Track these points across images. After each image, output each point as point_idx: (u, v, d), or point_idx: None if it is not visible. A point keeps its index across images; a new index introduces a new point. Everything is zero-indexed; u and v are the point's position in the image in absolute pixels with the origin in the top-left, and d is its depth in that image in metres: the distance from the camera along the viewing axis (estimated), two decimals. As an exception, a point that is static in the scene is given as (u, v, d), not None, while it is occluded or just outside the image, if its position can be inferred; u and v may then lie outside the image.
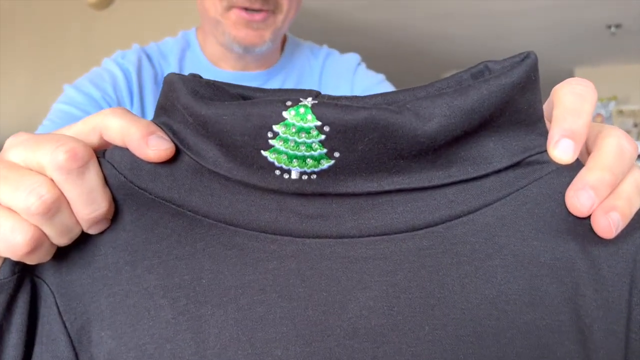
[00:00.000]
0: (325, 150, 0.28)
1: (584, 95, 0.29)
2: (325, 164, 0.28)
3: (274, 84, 0.80)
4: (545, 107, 0.32)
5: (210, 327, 0.29)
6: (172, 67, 0.79)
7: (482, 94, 0.28)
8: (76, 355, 0.31)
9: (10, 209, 0.28)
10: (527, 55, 0.29)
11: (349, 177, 0.29)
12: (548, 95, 0.34)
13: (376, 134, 0.27)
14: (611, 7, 2.73)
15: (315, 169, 0.28)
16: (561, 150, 0.28)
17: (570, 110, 0.29)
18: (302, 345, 0.29)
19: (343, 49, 0.88)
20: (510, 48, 3.25)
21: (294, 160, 0.28)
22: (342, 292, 0.29)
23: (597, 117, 3.31)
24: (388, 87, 0.82)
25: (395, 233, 0.29)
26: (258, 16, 0.70)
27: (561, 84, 0.31)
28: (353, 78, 0.82)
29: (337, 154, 0.28)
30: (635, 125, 3.24)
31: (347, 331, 0.29)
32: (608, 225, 0.27)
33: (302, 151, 0.28)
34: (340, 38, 2.97)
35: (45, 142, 0.29)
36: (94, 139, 0.31)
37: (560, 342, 0.28)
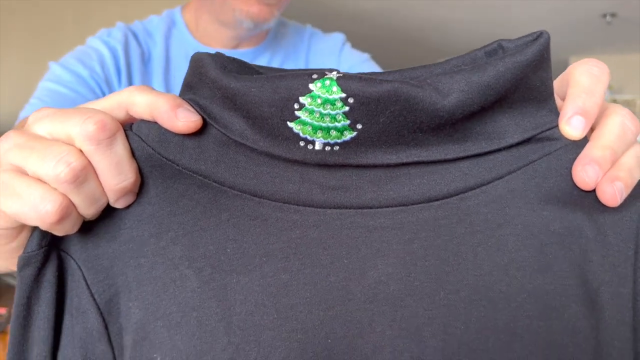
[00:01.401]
0: (348, 122, 0.29)
1: (599, 77, 0.31)
2: (348, 136, 0.29)
3: (261, 62, 0.81)
4: (557, 83, 0.34)
5: (235, 294, 0.30)
6: (158, 45, 0.79)
7: (499, 70, 0.29)
8: (106, 326, 0.31)
9: (39, 179, 0.28)
10: (540, 35, 0.30)
11: (370, 149, 0.30)
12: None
13: (398, 106, 0.28)
14: (607, -4, 2.73)
15: (338, 140, 0.29)
16: (573, 127, 0.30)
17: (585, 89, 0.31)
18: (325, 310, 0.30)
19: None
20: (505, 36, 3.25)
21: (319, 131, 0.29)
22: (362, 259, 0.30)
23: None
24: (373, 66, 0.83)
25: (413, 204, 0.31)
26: None
27: (577, 63, 0.32)
28: (339, 57, 0.83)
29: (359, 126, 0.29)
30: (629, 114, 3.28)
31: (367, 296, 0.30)
32: (613, 193, 0.29)
33: (327, 122, 0.29)
34: (337, 23, 2.96)
35: (74, 114, 0.29)
36: (119, 115, 0.32)
37: (568, 304, 0.29)
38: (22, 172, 0.29)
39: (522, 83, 0.30)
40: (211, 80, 0.31)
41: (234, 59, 0.33)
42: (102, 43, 0.75)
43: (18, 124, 0.68)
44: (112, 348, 0.32)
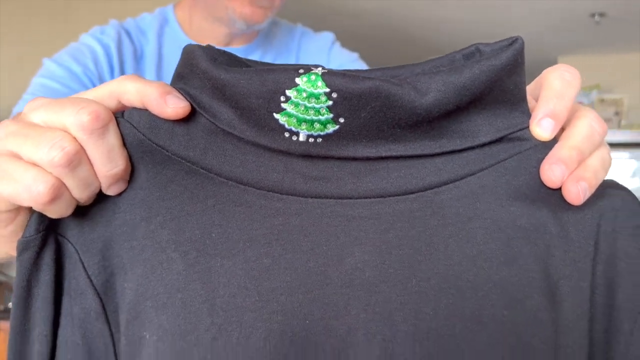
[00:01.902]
0: (331, 115, 0.30)
1: (571, 82, 0.33)
2: (331, 129, 0.31)
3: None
4: (532, 86, 0.35)
5: (219, 277, 0.32)
6: (151, 43, 0.79)
7: (474, 73, 0.31)
8: (103, 306, 0.33)
9: (33, 163, 0.30)
10: (515, 40, 0.32)
11: (351, 142, 0.31)
12: (531, 81, 0.37)
13: (378, 102, 0.30)
14: (596, -4, 2.75)
15: (322, 133, 0.31)
16: (543, 128, 0.32)
17: (556, 93, 0.32)
18: (304, 293, 0.31)
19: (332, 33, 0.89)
20: (494, 34, 3.27)
21: (303, 123, 0.31)
22: (340, 246, 0.32)
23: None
24: (361, 65, 0.85)
25: (389, 196, 0.32)
26: None
27: (551, 68, 0.34)
28: (329, 56, 0.85)
29: (342, 120, 0.31)
30: (617, 113, 3.30)
31: (343, 281, 0.31)
32: (577, 192, 0.31)
33: (311, 115, 0.30)
34: (335, 22, 2.96)
35: (68, 104, 0.31)
36: (111, 104, 0.33)
37: (531, 296, 0.31)
38: (17, 157, 0.30)
39: (497, 85, 0.32)
40: (202, 71, 0.32)
41: (225, 52, 0.34)
42: (95, 40, 0.76)
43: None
44: (109, 326, 0.33)
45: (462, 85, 0.30)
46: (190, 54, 0.33)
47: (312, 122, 0.31)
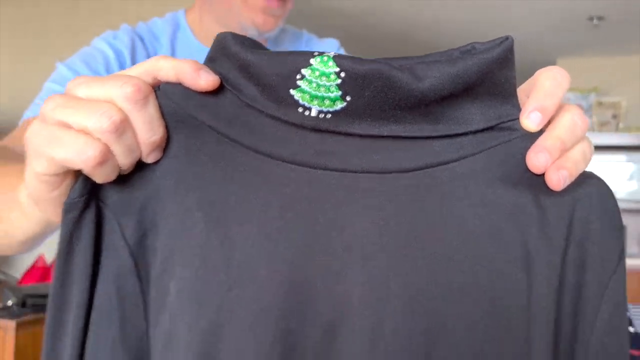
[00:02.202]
0: (340, 93, 0.35)
1: (561, 82, 0.37)
2: (339, 106, 0.35)
3: None
4: (525, 85, 0.39)
5: (236, 237, 0.35)
6: (164, 48, 0.81)
7: (467, 64, 0.34)
8: (135, 263, 0.37)
9: (82, 131, 0.34)
10: (505, 39, 0.36)
11: (357, 120, 0.36)
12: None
13: (380, 83, 0.34)
14: (594, -1, 2.76)
15: (331, 109, 0.35)
16: (531, 120, 0.36)
17: (546, 92, 0.36)
18: (309, 256, 0.35)
19: (326, 33, 0.91)
20: (494, 35, 3.28)
21: (315, 99, 0.35)
22: (343, 215, 0.36)
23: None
24: None
25: (390, 172, 0.36)
26: (274, 3, 0.74)
27: (544, 69, 0.38)
28: None
29: (348, 98, 0.35)
30: (614, 116, 3.31)
31: (343, 247, 0.35)
32: (558, 179, 0.35)
33: (322, 92, 0.35)
34: (331, 21, 2.97)
35: (111, 79, 0.35)
36: (147, 80, 0.36)
37: (513, 271, 0.35)
38: (68, 127, 0.34)
39: (488, 77, 0.35)
40: (231, 53, 0.37)
41: (252, 40, 0.38)
42: (108, 45, 0.77)
43: (22, 123, 0.69)
44: (141, 282, 0.37)
45: (456, 74, 0.34)
46: (222, 40, 0.37)
47: (322, 98, 0.35)
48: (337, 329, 0.35)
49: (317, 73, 0.34)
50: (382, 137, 0.36)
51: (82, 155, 0.33)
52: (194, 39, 0.82)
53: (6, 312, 1.81)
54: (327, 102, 0.35)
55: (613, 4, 2.81)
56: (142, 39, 0.80)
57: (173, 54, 0.81)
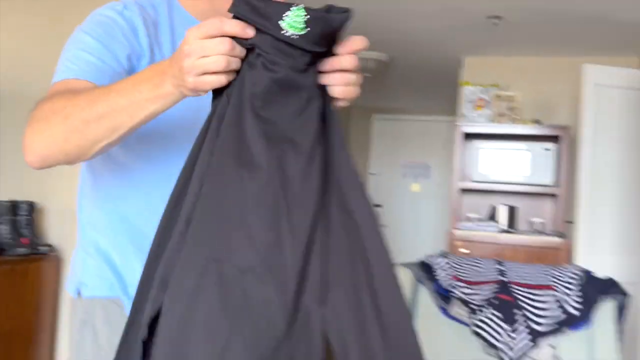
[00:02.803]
0: (304, 25, 0.59)
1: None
2: (303, 31, 0.59)
3: None
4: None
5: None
6: (162, 16, 0.92)
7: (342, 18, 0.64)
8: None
9: (215, 55, 0.60)
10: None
11: (309, 43, 0.61)
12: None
13: (322, 22, 0.61)
14: (489, -1, 2.89)
15: (298, 33, 0.59)
16: None
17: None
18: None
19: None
20: (404, 30, 3.39)
21: (292, 27, 0.59)
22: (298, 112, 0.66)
23: (479, 100, 3.60)
24: None
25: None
26: None
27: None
28: None
29: (308, 29, 0.59)
30: (510, 108, 3.59)
31: None
32: None
33: (296, 23, 0.59)
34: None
35: (215, 21, 0.61)
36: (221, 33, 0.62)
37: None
38: (205, 56, 0.61)
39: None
40: (251, 6, 0.60)
41: None
42: (120, 16, 0.86)
43: (52, 88, 0.80)
44: None
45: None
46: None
47: (295, 26, 0.59)
48: None
49: (295, 12, 0.59)
50: (321, 54, 0.63)
51: (216, 63, 0.61)
52: (184, 11, 0.94)
53: None
54: (298, 28, 0.59)
55: (509, 5, 2.96)
56: (144, 8, 0.89)
57: (171, 22, 0.92)
